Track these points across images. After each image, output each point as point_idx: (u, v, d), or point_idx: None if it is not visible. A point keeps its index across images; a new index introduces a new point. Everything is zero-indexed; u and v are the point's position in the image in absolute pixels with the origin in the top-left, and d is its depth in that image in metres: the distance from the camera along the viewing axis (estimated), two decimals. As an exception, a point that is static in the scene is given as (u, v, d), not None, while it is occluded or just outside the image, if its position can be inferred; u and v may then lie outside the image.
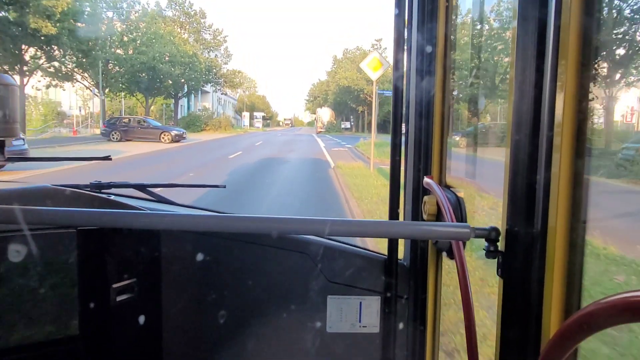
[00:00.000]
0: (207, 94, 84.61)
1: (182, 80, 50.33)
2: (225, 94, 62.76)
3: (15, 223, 0.91)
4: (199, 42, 55.15)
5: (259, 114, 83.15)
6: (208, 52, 56.90)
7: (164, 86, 46.97)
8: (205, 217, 1.04)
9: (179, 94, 53.86)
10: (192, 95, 68.83)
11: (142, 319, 1.49)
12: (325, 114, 70.74)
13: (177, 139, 28.34)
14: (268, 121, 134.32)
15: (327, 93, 78.04)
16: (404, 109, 1.53)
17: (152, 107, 57.73)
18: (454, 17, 1.41)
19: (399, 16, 1.46)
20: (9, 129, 1.27)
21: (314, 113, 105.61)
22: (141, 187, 1.73)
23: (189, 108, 57.22)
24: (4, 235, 1.22)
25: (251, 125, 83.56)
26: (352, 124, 74.99)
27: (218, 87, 57.82)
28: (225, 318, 1.63)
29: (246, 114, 76.86)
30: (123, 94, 44.20)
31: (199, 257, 1.59)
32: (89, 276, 1.36)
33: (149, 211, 1.46)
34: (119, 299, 1.42)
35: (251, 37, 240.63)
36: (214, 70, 55.13)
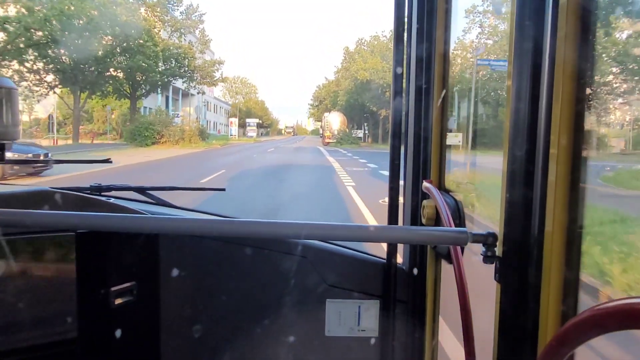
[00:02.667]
0: (191, 97, 69.24)
1: (139, 75, 35.15)
2: (203, 93, 46.91)
3: (13, 226, 0.89)
4: (165, 22, 39.59)
5: (252, 121, 67.40)
6: (178, 35, 41.46)
7: (102, 77, 31.55)
8: (199, 221, 1.09)
9: (138, 93, 38.76)
10: (167, 96, 53.53)
11: (141, 323, 1.48)
12: (335, 120, 55.12)
13: (15, 172, 12.60)
14: (267, 129, 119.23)
15: (337, 93, 62.40)
16: (403, 112, 1.53)
17: (114, 113, 42.54)
18: (452, 20, 1.41)
19: (398, 17, 1.47)
20: (10, 132, 1.25)
21: (320, 120, 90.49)
22: (141, 190, 1.71)
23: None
24: (2, 238, 1.20)
25: (244, 134, 67.93)
26: (367, 132, 59.44)
27: (192, 84, 42.21)
28: (224, 321, 1.62)
29: (234, 121, 60.81)
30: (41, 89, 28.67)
31: (198, 260, 1.58)
32: (87, 279, 1.35)
33: (148, 214, 1.46)
34: (117, 302, 1.40)
35: (245, 36, 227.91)
36: (185, 59, 39.90)
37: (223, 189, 2.28)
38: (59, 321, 1.29)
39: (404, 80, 1.49)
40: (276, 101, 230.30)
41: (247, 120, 68.24)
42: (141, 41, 32.12)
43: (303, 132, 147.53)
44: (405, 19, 1.47)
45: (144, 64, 32.36)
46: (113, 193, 1.63)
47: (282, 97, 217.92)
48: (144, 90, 39.78)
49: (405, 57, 1.48)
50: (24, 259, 1.25)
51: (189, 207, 1.76)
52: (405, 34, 1.48)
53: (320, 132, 66.35)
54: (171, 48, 36.40)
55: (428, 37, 1.39)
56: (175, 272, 1.53)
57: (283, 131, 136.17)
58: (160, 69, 36.45)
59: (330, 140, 53.55)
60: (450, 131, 1.51)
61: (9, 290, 1.24)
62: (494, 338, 0.93)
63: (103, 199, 1.51)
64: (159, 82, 40.24)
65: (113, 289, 1.37)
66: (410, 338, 1.53)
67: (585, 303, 0.71)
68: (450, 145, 1.44)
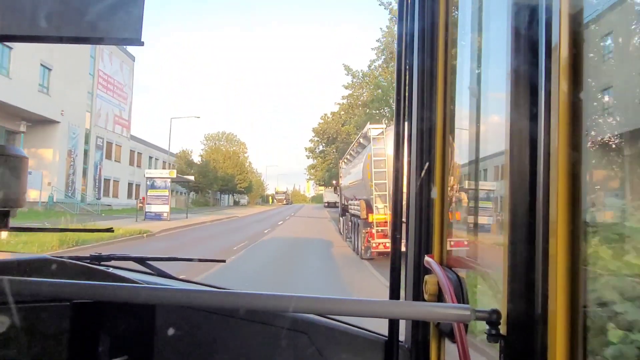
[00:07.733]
0: (55, 127, 29.40)
1: None
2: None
3: (3, 295, 0.87)
4: None
5: (161, 179, 26.17)
6: None
7: None
8: (193, 292, 1.07)
9: None
10: None
11: None
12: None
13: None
14: (245, 196, 78.73)
15: (389, 85, 22.14)
16: (405, 183, 1.52)
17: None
18: (453, 51, 1.38)
19: (400, 64, 1.50)
20: (18, 200, 1.27)
21: (324, 186, 49.59)
22: (140, 261, 1.73)
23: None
24: None
25: (145, 216, 26.83)
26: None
27: None
28: None
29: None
30: None
31: (194, 333, 1.57)
32: (80, 352, 1.34)
33: (143, 284, 1.46)
34: None
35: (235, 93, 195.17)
36: None
37: (223, 261, 2.61)
38: None
39: (406, 136, 1.50)
40: (270, 168, 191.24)
41: (171, 180, 26.97)
42: None
43: (300, 199, 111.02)
44: (407, 61, 1.48)
45: None
46: (112, 263, 1.65)
47: (275, 161, 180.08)
48: None
49: (406, 100, 1.49)
50: (16, 328, 1.22)
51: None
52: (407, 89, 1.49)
53: (338, 201, 25.00)
54: None
55: (429, 105, 1.39)
56: (169, 345, 1.52)
57: (271, 199, 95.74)
58: None
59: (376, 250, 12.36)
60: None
61: None
62: None
63: (102, 268, 1.54)
64: None
65: None
66: None
67: None
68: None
